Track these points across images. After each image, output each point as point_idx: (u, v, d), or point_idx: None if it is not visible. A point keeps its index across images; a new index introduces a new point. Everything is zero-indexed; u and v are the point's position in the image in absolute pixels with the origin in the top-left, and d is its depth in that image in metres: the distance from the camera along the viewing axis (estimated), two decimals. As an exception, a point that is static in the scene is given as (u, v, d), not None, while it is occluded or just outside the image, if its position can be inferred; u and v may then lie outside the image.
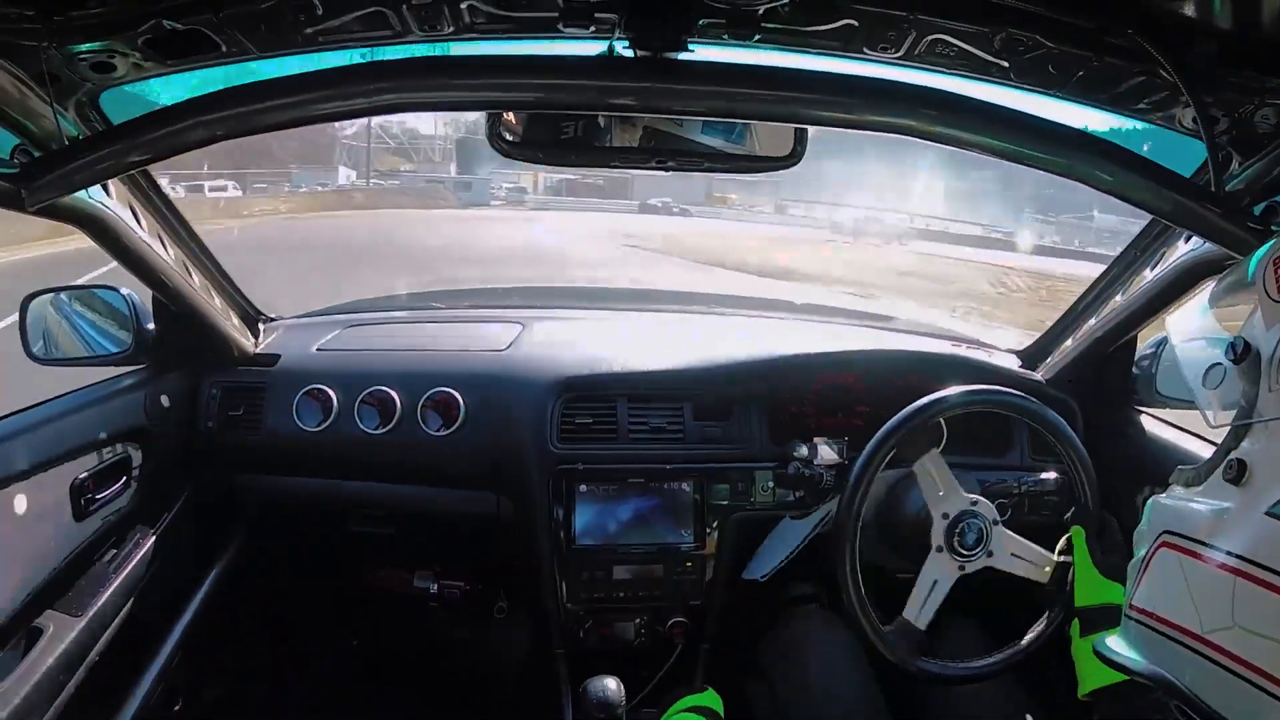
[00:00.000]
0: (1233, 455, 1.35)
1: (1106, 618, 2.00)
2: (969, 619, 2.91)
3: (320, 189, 51.29)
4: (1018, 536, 2.32)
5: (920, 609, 2.23)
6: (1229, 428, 1.43)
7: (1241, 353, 1.37)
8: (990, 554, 2.27)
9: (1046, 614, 2.36)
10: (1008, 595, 2.53)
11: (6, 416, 2.46)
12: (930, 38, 1.61)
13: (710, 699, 2.36)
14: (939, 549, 2.24)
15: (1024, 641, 2.36)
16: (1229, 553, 1.26)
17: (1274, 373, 1.30)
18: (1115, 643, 1.59)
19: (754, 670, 3.09)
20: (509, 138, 1.78)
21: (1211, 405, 1.50)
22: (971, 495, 2.30)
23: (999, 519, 2.27)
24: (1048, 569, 2.30)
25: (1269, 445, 1.30)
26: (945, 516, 2.25)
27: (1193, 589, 1.33)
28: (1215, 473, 1.39)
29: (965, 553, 2.24)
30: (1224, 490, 1.34)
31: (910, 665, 2.22)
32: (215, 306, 3.03)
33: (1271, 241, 1.35)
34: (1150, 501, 1.53)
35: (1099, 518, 2.38)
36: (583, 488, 3.07)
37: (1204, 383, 1.51)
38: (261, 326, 3.48)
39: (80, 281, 3.11)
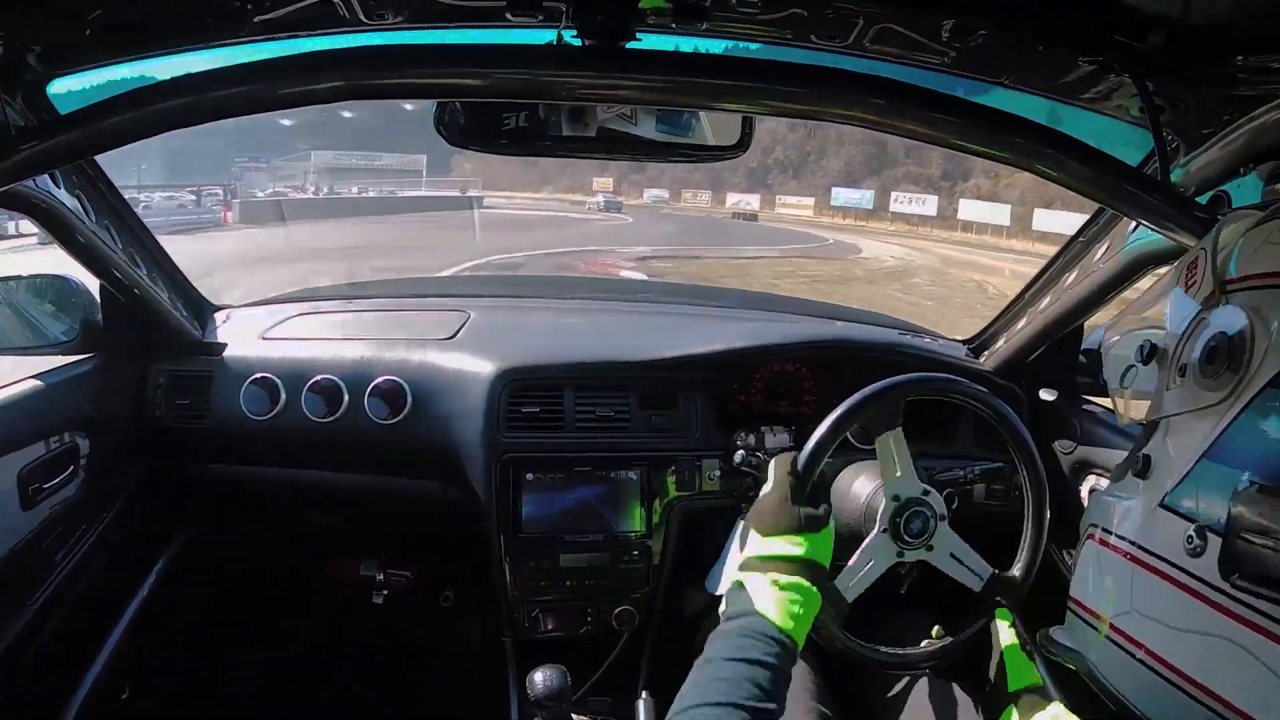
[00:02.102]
0: (1141, 451, 1.46)
1: (1037, 703, 1.90)
2: (919, 610, 2.96)
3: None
4: (960, 540, 2.34)
5: (851, 581, 2.24)
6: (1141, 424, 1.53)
7: (1149, 353, 1.50)
8: (930, 548, 2.28)
9: (975, 616, 2.39)
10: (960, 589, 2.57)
11: None
12: (878, 27, 1.63)
13: None
14: (883, 530, 2.25)
15: (954, 637, 2.38)
16: (1129, 540, 1.37)
17: (1174, 372, 1.40)
18: (1059, 635, 1.66)
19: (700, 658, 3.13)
20: (458, 127, 1.81)
21: (1124, 404, 1.65)
22: (924, 485, 2.32)
23: (946, 515, 2.29)
24: (982, 579, 2.32)
25: (1167, 441, 1.39)
26: (896, 499, 2.25)
27: (1104, 576, 1.43)
28: (1130, 470, 1.49)
29: (909, 539, 2.26)
30: (1133, 484, 1.45)
31: (834, 636, 2.23)
32: (162, 295, 3.05)
33: (1211, 233, 1.42)
34: (1091, 494, 1.58)
35: (1033, 561, 2.39)
36: (529, 476, 3.09)
37: (1120, 382, 1.62)
38: (209, 315, 3.49)
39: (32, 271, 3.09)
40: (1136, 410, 1.57)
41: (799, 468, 2.09)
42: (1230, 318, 1.28)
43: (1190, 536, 1.22)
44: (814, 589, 1.83)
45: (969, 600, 2.33)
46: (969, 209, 79.72)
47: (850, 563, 2.20)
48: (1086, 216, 2.72)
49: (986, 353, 3.39)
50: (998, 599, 2.25)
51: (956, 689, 2.59)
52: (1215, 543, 1.19)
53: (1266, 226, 1.36)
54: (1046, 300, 3.00)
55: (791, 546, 1.87)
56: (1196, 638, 1.21)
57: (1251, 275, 1.31)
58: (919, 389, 2.29)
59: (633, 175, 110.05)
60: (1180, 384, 1.37)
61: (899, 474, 2.24)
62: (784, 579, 1.81)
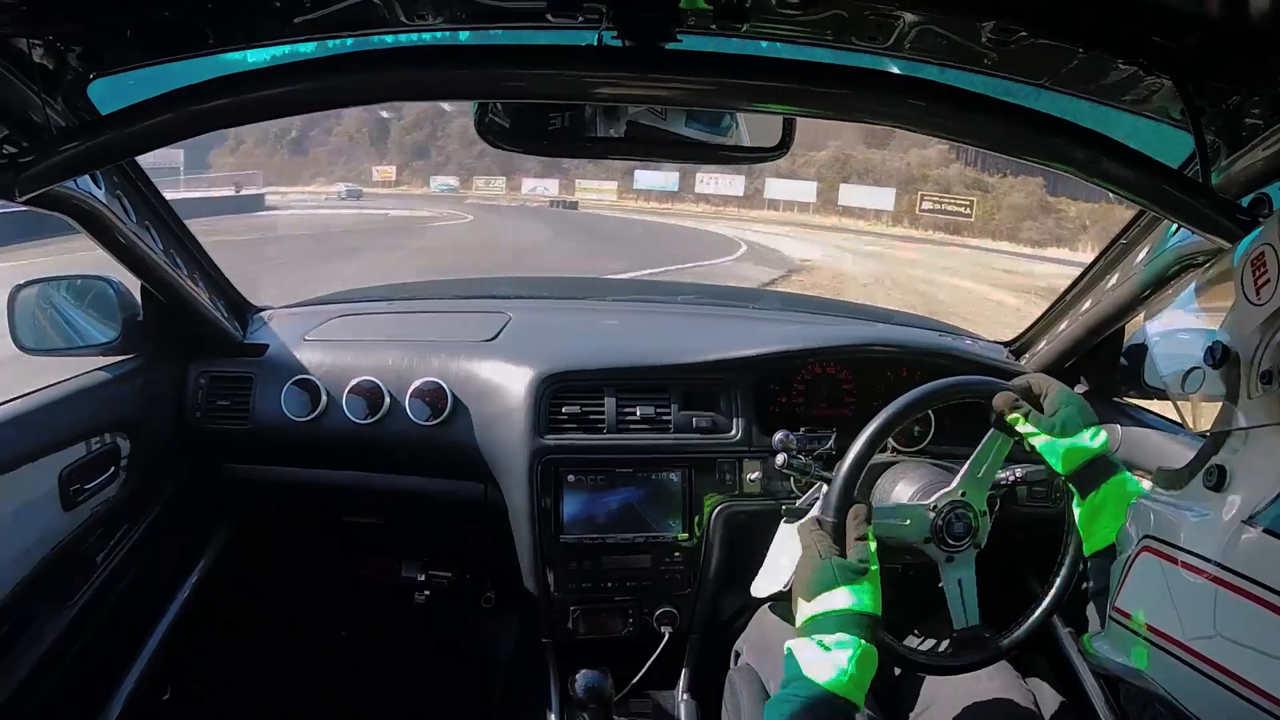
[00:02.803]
0: (1213, 461, 1.37)
1: (1097, 471, 2.02)
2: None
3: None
4: (973, 578, 2.34)
5: (883, 520, 2.25)
6: (1209, 433, 1.44)
7: (1220, 357, 1.38)
8: (978, 545, 2.29)
9: (1039, 605, 2.38)
10: (1013, 589, 2.56)
11: None
12: (919, 28, 1.63)
13: None
14: (931, 509, 2.26)
15: (1008, 638, 2.37)
16: (1209, 560, 1.28)
17: (1254, 379, 1.31)
18: (1101, 644, 1.63)
19: (740, 660, 3.13)
20: (498, 128, 1.81)
21: (1191, 411, 1.52)
22: (983, 500, 2.31)
23: (986, 510, 2.28)
24: (966, 622, 2.32)
25: (1248, 452, 1.32)
26: (961, 494, 2.26)
27: (1174, 595, 1.35)
28: (1196, 478, 1.40)
29: (953, 543, 2.25)
30: (1204, 496, 1.36)
31: (891, 651, 2.23)
32: (203, 297, 3.07)
33: (1256, 231, 1.37)
34: (1133, 504, 1.56)
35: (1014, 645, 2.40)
36: (570, 478, 3.11)
37: (1183, 386, 1.51)
38: (249, 317, 3.51)
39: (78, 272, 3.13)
40: (1206, 418, 1.47)
41: (826, 524, 2.11)
42: None
43: None
44: (861, 641, 1.84)
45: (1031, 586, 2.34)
46: (776, 187, 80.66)
47: (889, 506, 2.23)
48: (880, 190, 2.72)
49: (1028, 354, 3.39)
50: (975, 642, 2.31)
51: (999, 673, 2.59)
52: None
53: None
54: (1088, 302, 2.98)
55: (834, 602, 1.89)
56: None
57: None
58: (924, 404, 2.29)
59: (415, 162, 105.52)
60: (1264, 392, 1.30)
61: (980, 475, 2.26)
62: (829, 639, 1.84)
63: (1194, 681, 1.29)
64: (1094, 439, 2.05)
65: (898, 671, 2.71)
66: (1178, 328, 1.67)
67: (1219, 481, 1.33)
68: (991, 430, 2.26)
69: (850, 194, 75.67)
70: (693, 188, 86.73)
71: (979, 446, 2.30)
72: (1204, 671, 1.27)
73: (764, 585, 2.69)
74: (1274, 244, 1.33)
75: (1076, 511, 2.07)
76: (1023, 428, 2.16)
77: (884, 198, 75.55)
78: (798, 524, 2.14)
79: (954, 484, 2.28)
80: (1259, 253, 1.35)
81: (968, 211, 71.52)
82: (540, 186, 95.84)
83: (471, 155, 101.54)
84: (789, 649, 1.88)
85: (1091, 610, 2.02)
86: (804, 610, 1.94)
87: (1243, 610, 1.21)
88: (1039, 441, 2.14)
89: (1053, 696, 2.80)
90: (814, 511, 2.17)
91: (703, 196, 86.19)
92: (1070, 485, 2.10)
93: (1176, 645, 1.33)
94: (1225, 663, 1.24)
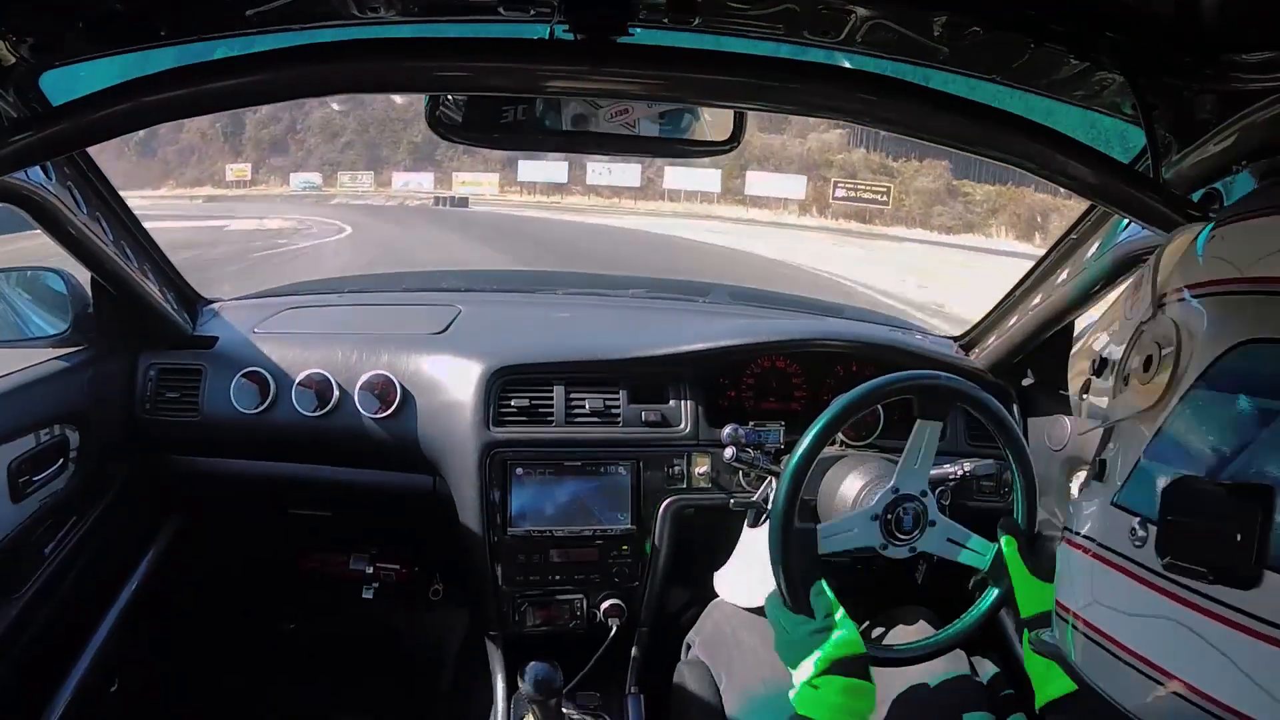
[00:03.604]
0: (1099, 456, 1.49)
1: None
2: (922, 608, 2.97)
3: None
4: (954, 523, 2.36)
5: (828, 536, 2.27)
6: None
7: (1099, 366, 1.56)
8: (914, 549, 2.32)
9: (982, 598, 2.41)
10: (961, 586, 2.59)
11: None
12: (870, 23, 1.64)
13: None
14: (874, 517, 2.28)
15: (954, 630, 2.41)
16: (1087, 538, 1.44)
17: (1119, 381, 1.45)
18: (1044, 632, 1.85)
19: (689, 653, 3.15)
20: (449, 121, 1.83)
21: (1084, 414, 1.69)
22: (925, 486, 2.33)
23: (937, 520, 2.32)
24: (986, 554, 2.34)
25: (1117, 444, 1.44)
26: (895, 491, 2.29)
27: (1072, 573, 1.49)
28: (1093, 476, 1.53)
29: (899, 536, 2.29)
30: (1093, 487, 1.48)
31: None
32: (153, 288, 3.09)
33: (1210, 226, 1.40)
34: (1074, 500, 1.62)
35: (1031, 521, 2.43)
36: (519, 470, 3.15)
37: (1081, 393, 1.67)
38: (200, 309, 3.53)
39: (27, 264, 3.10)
40: (1090, 419, 1.63)
41: (782, 590, 2.22)
42: (1162, 328, 1.34)
43: (1133, 529, 1.30)
44: (857, 681, 1.99)
45: (972, 585, 2.37)
46: (676, 177, 72.89)
47: (829, 523, 2.25)
48: (788, 177, 2.74)
49: (977, 349, 3.44)
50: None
51: (955, 673, 2.62)
52: (1154, 531, 1.27)
53: (1182, 241, 1.43)
54: (1037, 297, 3.03)
55: (821, 668, 2.01)
56: (1146, 620, 1.28)
57: (1172, 290, 1.37)
58: (872, 399, 2.33)
59: (273, 159, 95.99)
60: (1124, 391, 1.43)
61: (916, 466, 2.27)
62: (820, 681, 1.99)
63: (1082, 644, 1.42)
64: None
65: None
66: (1094, 342, 1.75)
67: (1099, 471, 1.46)
68: (918, 420, 2.32)
69: (759, 182, 71.40)
70: (583, 179, 79.35)
71: (910, 438, 2.35)
72: (1089, 635, 1.40)
73: (741, 595, 2.72)
74: (1153, 264, 1.47)
75: (1026, 656, 2.13)
76: (1010, 557, 2.31)
77: (794, 185, 71.38)
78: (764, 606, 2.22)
79: (891, 481, 2.31)
80: (1139, 278, 1.52)
81: (884, 198, 69.13)
82: (413, 181, 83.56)
83: (334, 149, 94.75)
84: (805, 714, 1.98)
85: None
86: (798, 676, 2.05)
87: (1107, 578, 1.36)
88: (1016, 576, 2.28)
89: (997, 673, 2.86)
90: (764, 526, 2.21)
91: (593, 188, 79.32)
92: (1026, 630, 2.18)
93: (1074, 616, 1.45)
94: (1100, 624, 1.37)
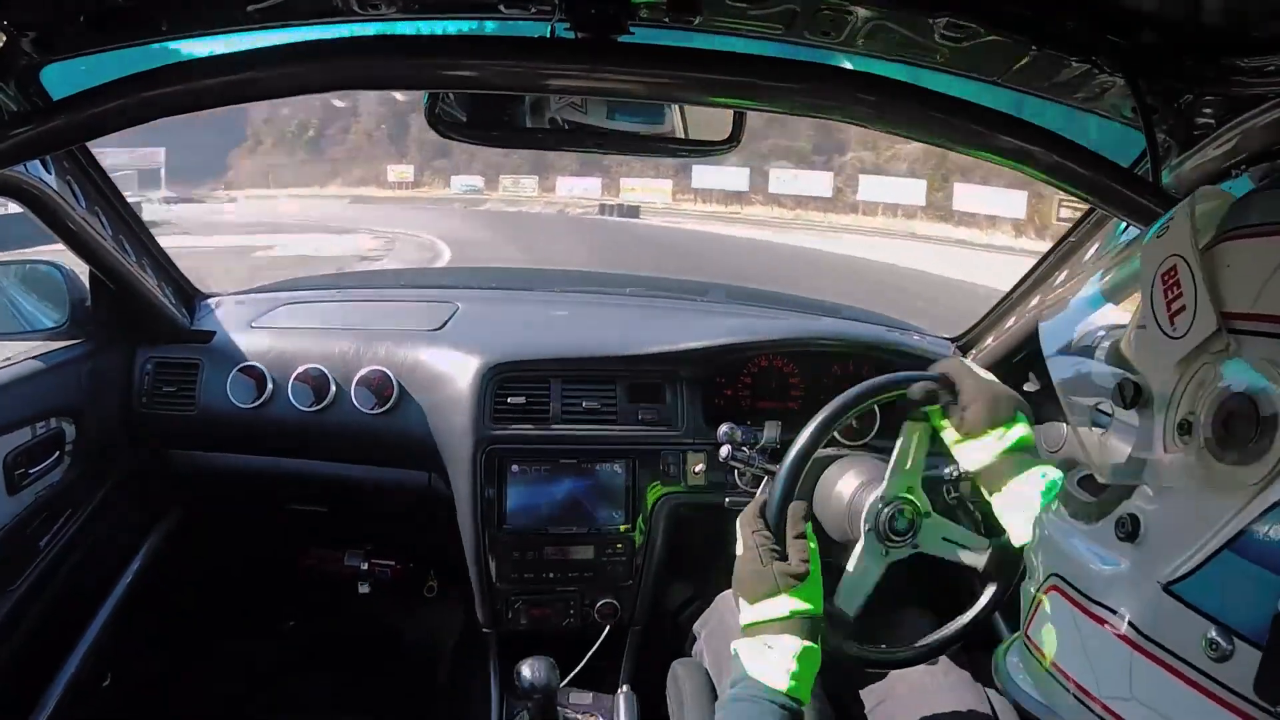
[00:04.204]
0: (1124, 509, 1.23)
1: (1002, 469, 2.03)
2: (922, 609, 2.97)
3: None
4: (950, 522, 2.35)
5: (851, 597, 2.25)
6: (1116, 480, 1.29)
7: (1132, 398, 1.23)
8: (916, 546, 2.30)
9: (982, 598, 2.40)
10: (961, 585, 2.58)
11: None
12: (871, 24, 1.65)
13: None
14: (869, 530, 2.27)
15: (952, 629, 2.40)
16: (1124, 619, 1.17)
17: (1170, 429, 1.17)
18: (1014, 665, 1.50)
19: (682, 651, 3.16)
20: (448, 119, 1.83)
21: (1098, 451, 1.34)
22: (912, 483, 2.32)
23: (930, 510, 2.30)
24: (984, 552, 2.33)
25: (1164, 509, 1.18)
26: (881, 500, 2.28)
27: (1088, 648, 1.23)
28: (1107, 521, 1.26)
29: (895, 539, 2.27)
30: (1115, 545, 1.23)
31: (838, 650, 2.24)
32: (151, 283, 3.10)
33: (1170, 213, 1.24)
34: (1038, 519, 1.46)
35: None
36: (514, 468, 3.15)
37: (1091, 422, 1.36)
38: (197, 303, 3.53)
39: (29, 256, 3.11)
40: (1117, 463, 1.28)
41: (768, 522, 2.09)
42: (1247, 375, 1.06)
43: (1214, 641, 1.03)
44: (807, 644, 1.87)
45: (975, 580, 2.35)
46: (871, 187, 63.45)
47: (845, 574, 2.22)
48: (995, 191, 2.71)
49: (975, 350, 3.41)
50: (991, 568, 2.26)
51: (954, 668, 2.61)
52: (1247, 652, 1.00)
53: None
54: (1035, 299, 3.02)
55: (776, 608, 1.90)
56: None
57: (1266, 316, 1.07)
58: (868, 398, 2.29)
59: (437, 161, 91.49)
60: (1184, 447, 1.13)
61: (908, 467, 2.26)
62: (774, 640, 1.86)
63: None
64: (1001, 437, 2.05)
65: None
66: (1088, 338, 1.47)
67: (1132, 533, 1.19)
68: (907, 421, 2.27)
69: (968, 196, 55.97)
70: (764, 187, 69.61)
71: (899, 440, 2.29)
72: None
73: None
74: (1185, 255, 1.17)
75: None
76: (936, 423, 2.19)
77: (1010, 201, 53.00)
78: (739, 518, 2.12)
79: (882, 487, 2.29)
80: (1170, 266, 1.18)
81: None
82: (579, 187, 74.97)
83: (499, 152, 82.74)
84: (735, 650, 1.92)
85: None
86: (747, 613, 1.96)
87: (1159, 680, 1.11)
88: (946, 438, 2.17)
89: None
90: (755, 502, 2.17)
91: (775, 197, 69.19)
92: (978, 484, 2.13)
93: (1094, 700, 1.22)
94: None
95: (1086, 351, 1.43)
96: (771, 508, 2.12)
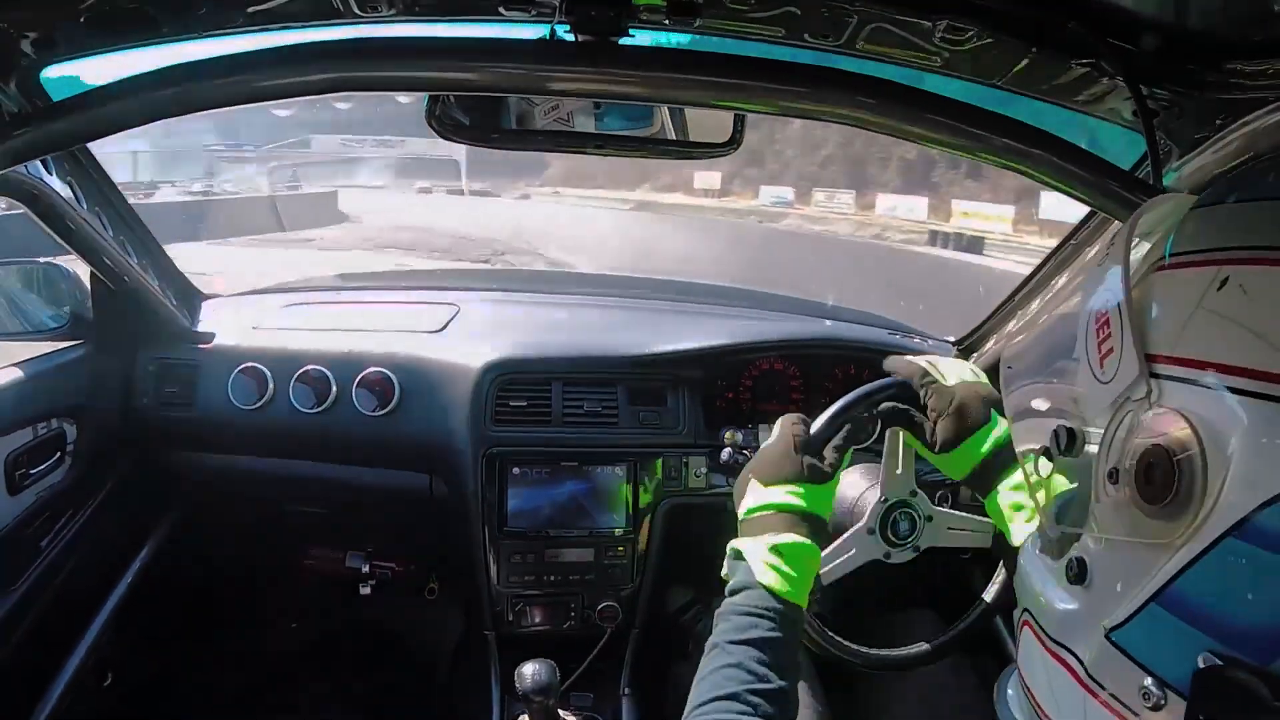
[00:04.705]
0: (1075, 552, 1.19)
1: (989, 472, 1.97)
2: (924, 610, 2.97)
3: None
4: (951, 511, 2.33)
5: (827, 566, 2.23)
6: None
7: (1066, 443, 1.19)
8: (917, 548, 2.29)
9: (994, 581, 2.39)
10: (963, 589, 2.58)
11: None
12: (871, 26, 1.65)
13: None
14: (870, 530, 2.25)
15: (943, 638, 2.39)
16: (1078, 660, 1.15)
17: (1103, 477, 1.12)
18: (1011, 699, 1.48)
19: (683, 654, 3.15)
20: (447, 121, 1.83)
21: (1045, 502, 1.31)
22: (914, 486, 2.32)
23: (932, 516, 2.29)
24: (990, 531, 2.31)
25: (1107, 553, 1.14)
26: (885, 501, 2.27)
27: (1054, 689, 1.22)
28: (1063, 561, 1.21)
29: (895, 541, 2.26)
30: (1067, 585, 1.19)
31: (816, 636, 2.22)
32: (152, 284, 3.09)
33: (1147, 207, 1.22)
34: (1024, 550, 1.39)
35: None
36: (515, 470, 3.16)
37: (1037, 467, 1.29)
38: (198, 304, 3.52)
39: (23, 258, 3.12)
40: (1062, 519, 1.25)
41: (810, 424, 2.02)
42: (1167, 424, 1.01)
43: (1147, 691, 1.02)
44: (812, 546, 1.81)
45: (984, 566, 2.34)
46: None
47: (829, 547, 2.21)
48: None
49: (976, 354, 3.41)
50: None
51: (958, 681, 2.61)
52: (1178, 703, 0.99)
53: (1158, 232, 1.14)
54: (1036, 304, 3.02)
55: (791, 496, 1.85)
56: None
57: (1185, 360, 1.02)
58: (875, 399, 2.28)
59: (747, 169, 77.71)
60: (1113, 495, 1.09)
61: (899, 472, 2.25)
62: (782, 540, 1.79)
63: None
64: (978, 443, 1.99)
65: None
66: (1039, 385, 1.40)
67: (1079, 575, 1.16)
68: (887, 431, 2.22)
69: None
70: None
71: (885, 446, 2.23)
72: None
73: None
74: (1114, 292, 1.13)
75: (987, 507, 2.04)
76: (909, 442, 2.14)
77: None
78: (781, 417, 2.04)
79: (879, 494, 2.28)
80: (1100, 307, 1.15)
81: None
82: (902, 206, 61.53)
83: (814, 163, 79.33)
84: (737, 549, 1.83)
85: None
86: (756, 494, 1.89)
87: None
88: (926, 453, 2.12)
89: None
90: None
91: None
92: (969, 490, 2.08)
93: None
94: None
95: (1035, 391, 1.39)
96: (827, 415, 2.10)
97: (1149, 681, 1.01)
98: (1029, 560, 1.34)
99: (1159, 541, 1.01)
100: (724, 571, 1.84)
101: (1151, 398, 1.04)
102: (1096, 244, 2.63)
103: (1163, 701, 1.00)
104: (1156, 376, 1.04)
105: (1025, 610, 1.31)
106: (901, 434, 2.21)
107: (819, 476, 1.90)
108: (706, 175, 76.13)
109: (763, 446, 2.00)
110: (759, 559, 1.77)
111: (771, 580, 1.74)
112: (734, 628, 1.70)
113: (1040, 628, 1.24)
